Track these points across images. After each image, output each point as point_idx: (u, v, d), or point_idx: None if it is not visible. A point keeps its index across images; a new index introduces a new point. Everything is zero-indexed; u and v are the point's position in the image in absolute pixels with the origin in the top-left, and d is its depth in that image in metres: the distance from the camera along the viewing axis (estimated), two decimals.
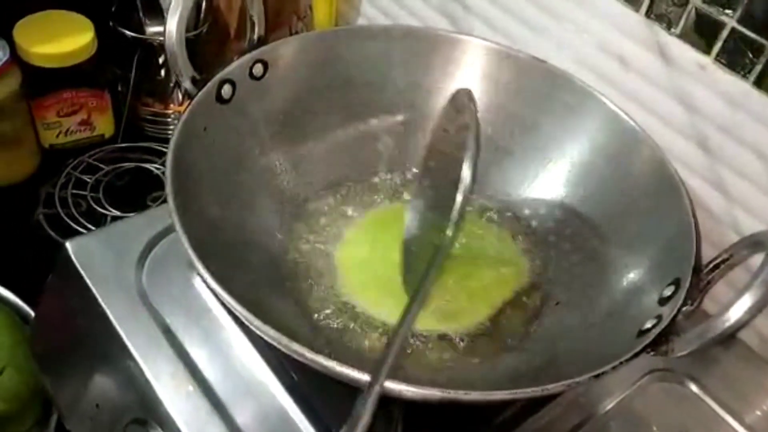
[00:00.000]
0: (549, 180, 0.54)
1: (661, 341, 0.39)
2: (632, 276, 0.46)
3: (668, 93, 0.52)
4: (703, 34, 0.49)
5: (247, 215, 0.49)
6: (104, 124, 0.82)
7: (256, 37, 0.51)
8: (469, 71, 0.56)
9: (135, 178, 0.81)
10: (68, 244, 0.51)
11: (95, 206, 0.77)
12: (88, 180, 0.79)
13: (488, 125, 0.56)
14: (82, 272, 0.50)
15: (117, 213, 0.76)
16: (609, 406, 0.49)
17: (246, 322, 0.37)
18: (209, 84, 0.47)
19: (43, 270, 0.54)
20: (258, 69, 0.50)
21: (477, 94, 0.55)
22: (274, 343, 0.36)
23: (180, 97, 0.85)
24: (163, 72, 0.85)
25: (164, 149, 0.82)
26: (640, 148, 0.49)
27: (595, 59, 0.56)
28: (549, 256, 0.52)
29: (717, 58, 0.49)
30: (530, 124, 0.55)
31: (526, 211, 0.55)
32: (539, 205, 0.54)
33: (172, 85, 0.85)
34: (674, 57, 0.51)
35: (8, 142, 0.75)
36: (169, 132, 0.86)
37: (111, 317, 0.48)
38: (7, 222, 0.76)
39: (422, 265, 0.43)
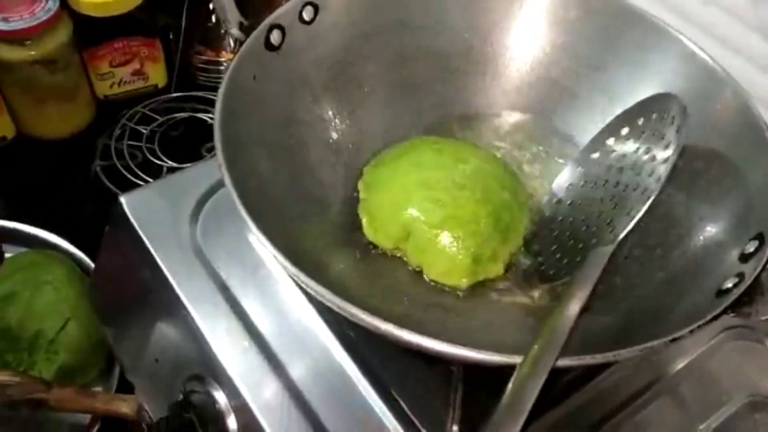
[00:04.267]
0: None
1: (743, 302, 0.36)
2: (710, 229, 0.43)
3: (753, 28, 0.48)
4: None
5: (301, 167, 0.47)
6: (157, 74, 0.81)
7: None
8: (533, 8, 0.53)
9: (189, 128, 0.81)
10: (122, 198, 0.51)
11: (151, 157, 0.77)
12: (144, 131, 0.79)
13: (552, 65, 0.53)
14: (137, 227, 0.50)
15: (172, 164, 0.76)
16: (681, 365, 0.46)
17: (311, 292, 0.35)
18: (257, 30, 0.45)
19: (103, 222, 0.54)
20: (309, 12, 0.48)
21: (541, 31, 0.53)
22: (355, 320, 0.34)
23: (232, 44, 0.84)
24: (213, 18, 0.83)
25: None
26: (721, 90, 0.45)
27: None
28: None
29: None
30: (597, 65, 0.52)
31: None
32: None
33: (223, 31, 0.83)
34: None
35: (63, 94, 0.75)
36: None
37: (166, 272, 0.48)
38: (65, 175, 0.77)
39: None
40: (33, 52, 0.69)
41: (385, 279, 0.45)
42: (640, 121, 0.45)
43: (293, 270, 0.35)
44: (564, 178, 0.48)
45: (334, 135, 0.50)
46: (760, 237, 0.39)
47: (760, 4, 0.47)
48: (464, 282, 0.45)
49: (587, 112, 0.52)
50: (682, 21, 0.51)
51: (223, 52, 0.84)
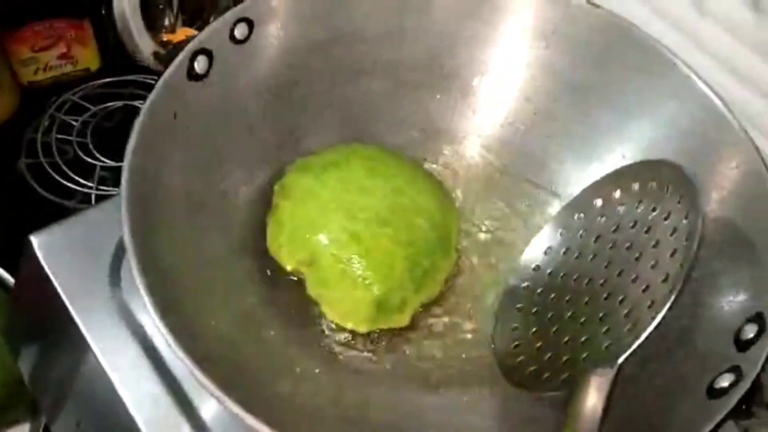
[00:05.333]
0: (600, 156, 0.45)
1: (740, 408, 0.31)
2: (701, 298, 0.37)
3: (758, 53, 0.41)
4: None
5: (233, 221, 0.40)
6: (88, 57, 0.72)
7: None
8: (505, 18, 0.46)
9: (126, 117, 0.73)
10: (33, 239, 0.44)
11: (82, 154, 0.69)
12: (74, 123, 0.71)
13: (527, 84, 0.46)
14: (50, 274, 0.44)
15: (107, 162, 0.69)
16: None
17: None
18: (178, 59, 0.38)
19: (28, 228, 0.47)
20: (242, 30, 0.41)
21: (516, 42, 0.46)
22: None
23: (172, 20, 0.75)
24: None
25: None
26: (719, 129, 0.40)
27: (666, 4, 0.44)
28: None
29: None
30: (578, 85, 0.45)
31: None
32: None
33: (161, 7, 0.74)
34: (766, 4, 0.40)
35: None
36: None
37: (85, 332, 0.42)
38: None
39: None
40: None
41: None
42: (635, 187, 0.38)
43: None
44: (542, 240, 0.42)
45: (274, 170, 0.43)
46: (759, 319, 0.34)
47: (765, 25, 0.40)
48: (362, 328, 0.40)
49: (565, 139, 0.46)
50: (676, 32, 0.44)
51: (164, 30, 0.75)
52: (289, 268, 0.41)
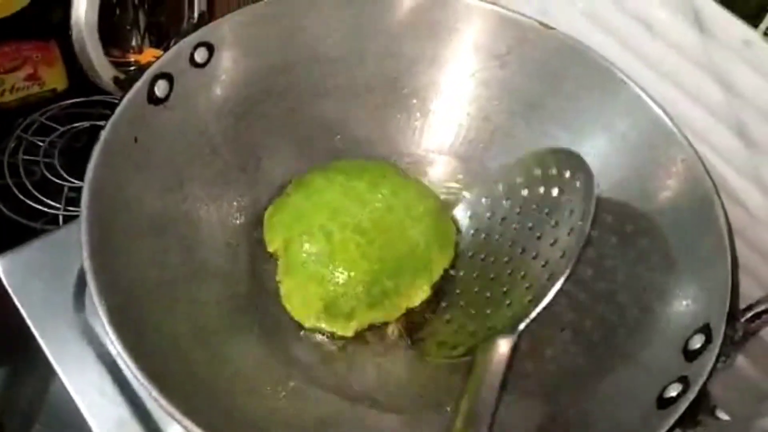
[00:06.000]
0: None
1: (687, 417, 0.32)
2: (649, 309, 0.39)
3: (703, 69, 0.43)
4: (750, 2, 0.39)
5: (194, 241, 0.41)
6: (55, 77, 0.72)
7: (196, 14, 0.41)
8: (460, 38, 0.47)
9: (94, 138, 0.72)
10: None
11: (49, 175, 0.69)
12: (41, 143, 0.71)
13: (486, 103, 0.47)
14: (15, 299, 0.44)
15: (74, 182, 0.68)
16: None
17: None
18: (138, 83, 0.38)
19: None
20: (202, 54, 0.41)
21: (471, 64, 0.47)
22: None
23: (139, 40, 0.75)
24: (118, 11, 0.74)
25: None
26: (668, 144, 0.41)
27: (616, 22, 0.46)
28: None
29: (766, 33, 0.39)
30: (534, 103, 0.46)
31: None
32: None
33: (128, 27, 0.74)
34: (713, 28, 0.41)
35: None
36: None
37: (49, 356, 0.42)
38: None
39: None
40: None
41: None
42: (538, 172, 0.41)
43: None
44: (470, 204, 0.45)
45: (237, 191, 0.44)
46: (706, 330, 0.35)
47: (712, 47, 0.42)
48: (307, 323, 0.41)
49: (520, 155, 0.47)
50: (626, 52, 0.46)
51: (132, 50, 0.75)
52: (270, 249, 0.43)
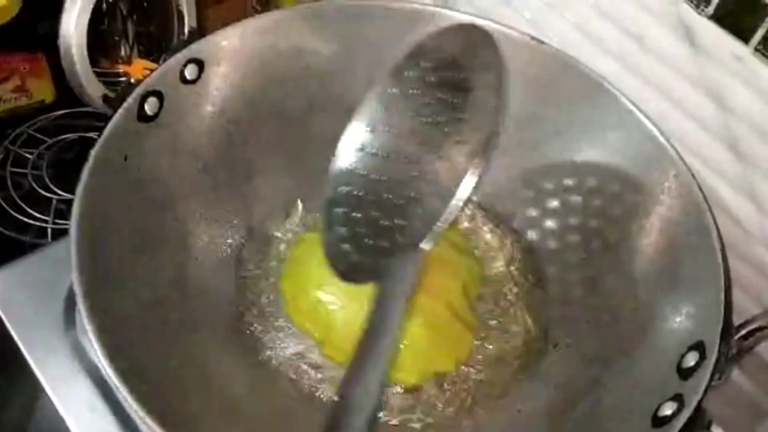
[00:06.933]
0: (548, 186, 0.46)
1: None
2: (642, 326, 0.38)
3: (695, 85, 0.43)
4: (741, 18, 0.39)
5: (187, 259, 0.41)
6: (43, 89, 0.72)
7: (186, 30, 0.41)
8: None
9: (83, 149, 0.72)
10: None
11: (38, 187, 0.68)
12: (29, 155, 0.70)
13: None
14: (3, 316, 0.43)
15: (63, 194, 0.68)
16: None
17: None
18: (127, 102, 0.38)
19: None
20: (192, 70, 0.41)
21: None
22: None
23: (128, 51, 0.75)
24: (107, 22, 0.74)
25: None
26: (660, 159, 0.41)
27: (607, 37, 0.46)
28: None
29: (757, 49, 0.39)
30: (526, 117, 0.46)
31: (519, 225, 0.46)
32: (536, 220, 0.46)
33: (117, 38, 0.74)
34: (704, 44, 0.42)
35: None
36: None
37: (38, 374, 0.42)
38: None
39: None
40: None
41: None
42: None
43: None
44: (353, 140, 0.39)
45: (229, 208, 0.44)
46: (700, 347, 0.35)
47: (703, 62, 0.42)
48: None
49: (516, 171, 0.47)
50: (617, 64, 0.46)
51: (120, 60, 0.75)
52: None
